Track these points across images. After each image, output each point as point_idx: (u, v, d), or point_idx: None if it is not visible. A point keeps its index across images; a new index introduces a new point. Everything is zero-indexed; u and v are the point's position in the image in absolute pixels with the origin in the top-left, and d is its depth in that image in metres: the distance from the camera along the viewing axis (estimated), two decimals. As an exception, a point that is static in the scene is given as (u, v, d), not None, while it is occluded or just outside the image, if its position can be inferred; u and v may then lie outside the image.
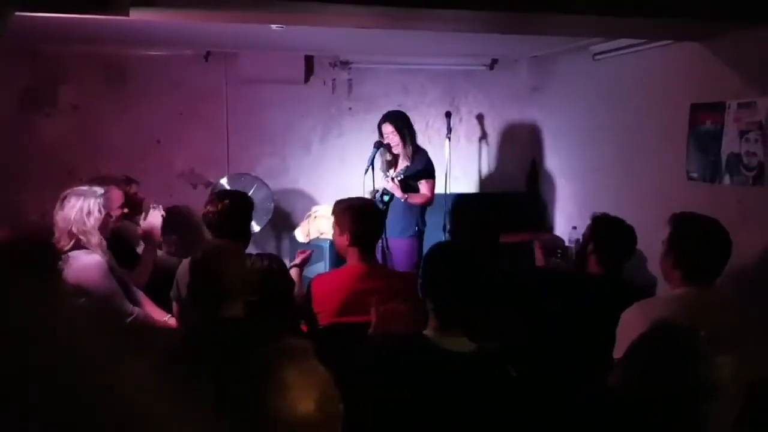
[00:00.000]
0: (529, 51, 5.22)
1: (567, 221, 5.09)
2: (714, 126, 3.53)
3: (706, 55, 3.56)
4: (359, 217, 2.79)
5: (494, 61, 5.57)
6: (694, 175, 3.69)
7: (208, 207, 2.88)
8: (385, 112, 4.38)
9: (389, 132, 4.22)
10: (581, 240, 3.06)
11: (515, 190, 5.68)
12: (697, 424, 1.28)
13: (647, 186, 4.14)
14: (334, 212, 2.91)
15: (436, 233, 4.92)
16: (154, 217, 3.49)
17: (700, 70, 3.65)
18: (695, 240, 2.32)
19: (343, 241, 2.81)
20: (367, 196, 4.17)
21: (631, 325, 2.12)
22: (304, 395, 1.11)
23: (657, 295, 2.92)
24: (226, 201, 2.87)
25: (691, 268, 2.29)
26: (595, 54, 4.61)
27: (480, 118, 5.64)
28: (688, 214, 2.45)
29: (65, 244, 2.82)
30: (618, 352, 2.15)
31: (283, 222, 5.19)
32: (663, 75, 4.03)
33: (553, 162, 5.51)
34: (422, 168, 4.21)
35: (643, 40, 4.02)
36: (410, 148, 4.25)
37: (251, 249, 2.97)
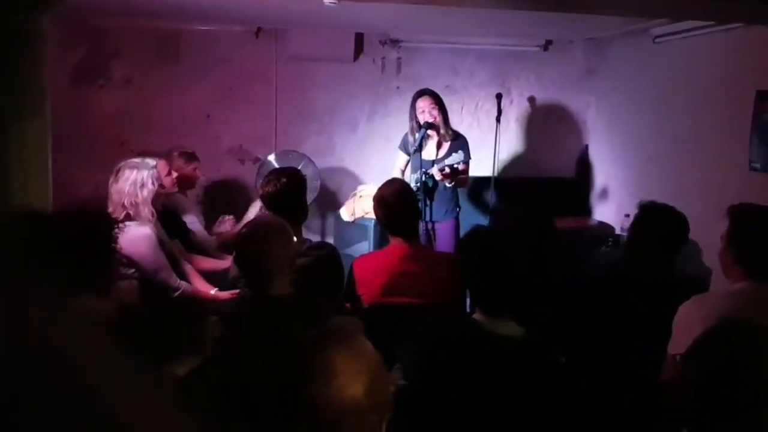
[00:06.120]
0: (585, 32, 5.06)
1: (618, 209, 4.95)
2: (782, 115, 3.36)
3: (777, 39, 3.38)
4: (386, 209, 2.81)
5: (548, 43, 5.42)
6: (757, 165, 3.53)
7: (267, 188, 2.83)
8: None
9: (427, 105, 4.12)
10: (630, 230, 2.94)
11: (565, 176, 5.56)
12: (763, 427, 1.22)
13: (705, 175, 3.98)
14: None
15: (479, 215, 4.87)
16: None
17: (768, 55, 3.47)
18: (758, 234, 2.20)
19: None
20: (411, 179, 4.13)
21: (689, 320, 2.03)
22: (353, 380, 1.08)
23: (714, 290, 2.80)
24: (284, 179, 2.83)
25: (754, 263, 2.18)
26: (656, 37, 4.43)
27: (531, 100, 5.52)
28: (749, 205, 2.31)
29: (118, 215, 2.86)
30: (674, 347, 2.08)
31: (328, 200, 5.19)
32: (728, 60, 3.85)
33: (605, 148, 5.36)
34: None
35: (709, 23, 3.84)
36: (449, 127, 4.20)
37: (306, 235, 2.98)
